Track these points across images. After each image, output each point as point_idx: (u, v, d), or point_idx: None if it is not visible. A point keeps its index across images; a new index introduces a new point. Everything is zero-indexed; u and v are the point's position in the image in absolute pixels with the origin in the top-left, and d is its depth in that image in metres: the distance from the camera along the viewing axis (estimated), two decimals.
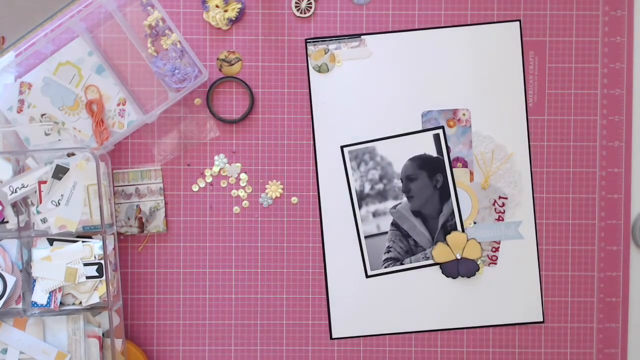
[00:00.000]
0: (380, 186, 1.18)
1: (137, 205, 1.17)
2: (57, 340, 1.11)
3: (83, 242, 1.10)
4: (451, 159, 1.18)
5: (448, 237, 1.18)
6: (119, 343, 1.13)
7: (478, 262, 1.18)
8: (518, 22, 1.18)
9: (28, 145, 1.15)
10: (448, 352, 1.19)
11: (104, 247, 1.10)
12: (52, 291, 1.09)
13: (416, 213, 1.18)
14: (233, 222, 1.18)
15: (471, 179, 1.18)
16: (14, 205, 1.11)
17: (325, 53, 1.17)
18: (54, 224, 1.09)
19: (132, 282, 1.18)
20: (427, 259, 1.18)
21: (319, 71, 1.17)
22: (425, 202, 1.18)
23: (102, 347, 1.13)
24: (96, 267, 1.09)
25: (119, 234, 1.17)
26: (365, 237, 1.18)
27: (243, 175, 1.18)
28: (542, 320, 1.19)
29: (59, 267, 1.09)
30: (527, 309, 1.19)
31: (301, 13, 1.17)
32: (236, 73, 1.17)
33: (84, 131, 1.15)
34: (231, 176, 1.18)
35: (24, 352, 1.10)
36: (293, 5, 1.17)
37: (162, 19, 1.14)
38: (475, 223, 1.18)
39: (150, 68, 1.16)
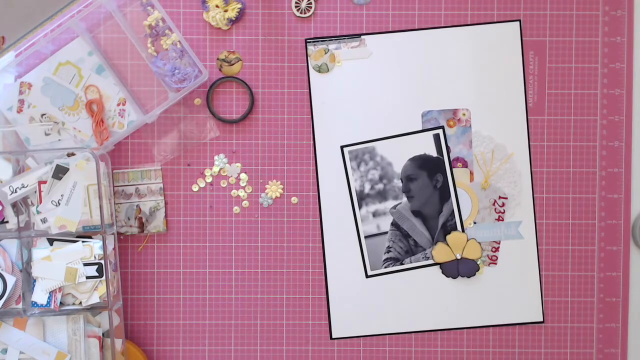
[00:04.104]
0: (380, 186, 1.18)
1: (137, 205, 1.17)
2: (57, 340, 1.11)
3: (83, 242, 1.10)
4: (451, 159, 1.18)
5: (448, 237, 1.18)
6: (119, 343, 1.13)
7: (478, 262, 1.18)
8: (518, 22, 1.18)
9: (28, 145, 1.15)
10: (448, 352, 1.19)
11: (104, 247, 1.10)
12: (52, 291, 1.09)
13: (416, 213, 1.18)
14: (233, 222, 1.18)
15: (471, 179, 1.18)
16: (14, 205, 1.11)
17: (325, 53, 1.17)
18: (54, 224, 1.09)
19: (132, 282, 1.18)
20: (427, 259, 1.18)
21: (319, 71, 1.17)
22: (425, 202, 1.18)
23: (102, 347, 1.13)
24: (96, 267, 1.09)
25: (119, 234, 1.17)
26: (365, 237, 1.18)
27: (243, 175, 1.18)
28: (542, 320, 1.19)
29: (59, 267, 1.09)
30: (527, 309, 1.19)
31: (301, 13, 1.17)
32: (236, 73, 1.17)
33: (84, 131, 1.15)
34: (231, 176, 1.18)
35: (24, 352, 1.10)
36: (293, 5, 1.17)
37: (162, 19, 1.14)
38: (475, 223, 1.18)
39: (150, 68, 1.16)
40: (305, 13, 1.17)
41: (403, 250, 1.18)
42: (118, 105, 1.15)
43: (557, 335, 1.19)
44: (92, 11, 1.13)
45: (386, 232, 1.18)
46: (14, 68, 1.14)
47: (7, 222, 1.12)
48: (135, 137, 1.18)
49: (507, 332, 1.19)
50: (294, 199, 1.18)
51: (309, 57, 1.17)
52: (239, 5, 1.16)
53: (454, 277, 1.18)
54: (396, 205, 1.18)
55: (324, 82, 1.18)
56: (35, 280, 1.10)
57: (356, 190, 1.18)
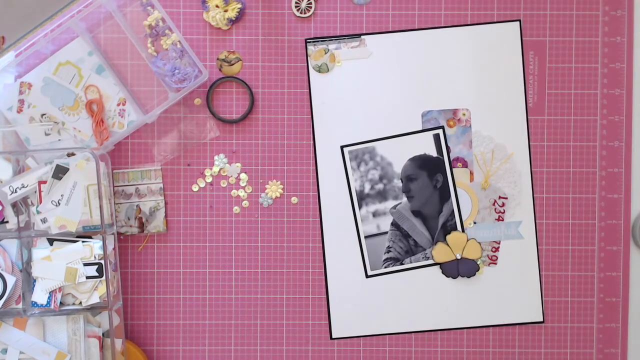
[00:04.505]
0: (380, 186, 1.18)
1: (137, 205, 1.17)
2: (57, 340, 1.11)
3: (83, 242, 1.10)
4: (451, 159, 1.18)
5: (448, 237, 1.18)
6: (119, 343, 1.13)
7: (478, 262, 1.18)
8: (518, 22, 1.18)
9: (28, 145, 1.15)
10: (448, 352, 1.19)
11: (104, 247, 1.10)
12: (52, 291, 1.09)
13: (416, 213, 1.18)
14: (233, 222, 1.18)
15: (471, 179, 1.18)
16: (14, 205, 1.11)
17: (325, 53, 1.17)
18: (54, 224, 1.09)
19: (132, 282, 1.18)
20: (427, 259, 1.18)
21: (319, 71, 1.17)
22: (425, 202, 1.18)
23: (102, 347, 1.13)
24: (96, 267, 1.09)
25: (119, 234, 1.17)
26: (365, 237, 1.18)
27: (243, 175, 1.18)
28: (542, 320, 1.19)
29: (59, 267, 1.09)
30: (527, 309, 1.19)
31: (301, 13, 1.17)
32: (236, 73, 1.18)
33: (84, 131, 1.15)
34: (231, 176, 1.18)
35: (24, 352, 1.10)
36: (293, 5, 1.17)
37: (162, 19, 1.14)
38: (475, 223, 1.18)
39: (150, 68, 1.16)
40: (305, 13, 1.17)
41: (403, 250, 1.18)
42: (118, 105, 1.15)
43: (557, 335, 1.19)
44: (92, 11, 1.13)
45: (386, 232, 1.18)
46: (14, 68, 1.14)
47: (7, 222, 1.12)
48: (135, 137, 1.18)
49: (507, 332, 1.19)
50: (294, 199, 1.18)
51: (309, 57, 1.17)
52: (239, 5, 1.16)
53: (454, 277, 1.18)
54: (396, 205, 1.18)
55: (324, 82, 1.18)
56: (35, 280, 1.10)
57: (356, 190, 1.18)
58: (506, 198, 1.18)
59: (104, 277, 1.09)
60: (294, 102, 1.18)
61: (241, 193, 1.18)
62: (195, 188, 1.18)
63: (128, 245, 1.18)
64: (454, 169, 1.18)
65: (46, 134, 1.15)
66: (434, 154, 1.18)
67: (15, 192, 1.10)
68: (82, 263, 1.09)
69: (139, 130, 1.17)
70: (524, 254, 1.19)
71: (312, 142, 1.18)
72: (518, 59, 1.18)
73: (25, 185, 1.10)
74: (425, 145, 1.18)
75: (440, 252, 1.18)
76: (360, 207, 1.18)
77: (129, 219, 1.17)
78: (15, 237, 1.11)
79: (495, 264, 1.19)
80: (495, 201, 1.18)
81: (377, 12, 1.17)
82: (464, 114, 1.18)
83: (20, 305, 1.10)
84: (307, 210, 1.18)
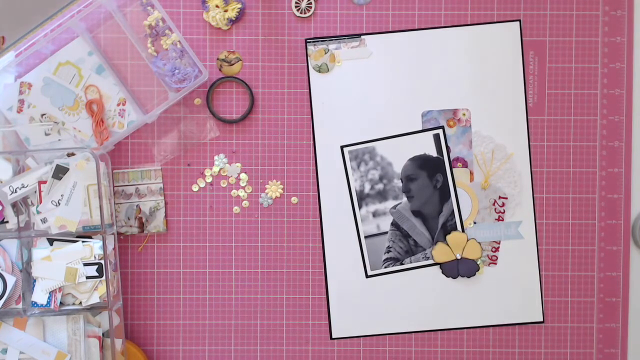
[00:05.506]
0: (380, 186, 1.18)
1: (137, 205, 1.17)
2: (57, 340, 1.11)
3: (83, 242, 1.10)
4: (451, 159, 1.18)
5: (448, 237, 1.18)
6: (119, 343, 1.13)
7: (478, 262, 1.18)
8: (518, 22, 1.18)
9: (28, 145, 1.15)
10: (448, 352, 1.19)
11: (104, 247, 1.10)
12: (52, 291, 1.09)
13: (416, 213, 1.18)
14: (233, 222, 1.18)
15: (471, 179, 1.18)
16: (14, 205, 1.11)
17: (325, 53, 1.17)
18: (54, 224, 1.09)
19: (132, 282, 1.18)
20: (427, 259, 1.18)
21: (319, 71, 1.17)
22: (425, 202, 1.18)
23: (102, 347, 1.13)
24: (96, 267, 1.09)
25: (119, 234, 1.17)
26: (365, 237, 1.18)
27: (243, 175, 1.18)
28: (542, 320, 1.19)
29: (59, 267, 1.09)
30: (527, 309, 1.19)
31: (301, 13, 1.17)
32: (236, 73, 1.18)
33: (84, 131, 1.15)
34: (231, 176, 1.18)
35: (24, 352, 1.10)
36: (293, 5, 1.17)
37: (162, 19, 1.14)
38: (475, 223, 1.18)
39: (150, 68, 1.16)
40: (305, 13, 1.17)
41: (403, 250, 1.18)
42: (118, 105, 1.15)
43: (557, 335, 1.19)
44: (92, 11, 1.13)
45: (386, 232, 1.18)
46: (14, 68, 1.14)
47: (7, 222, 1.12)
48: (135, 137, 1.18)
49: (507, 332, 1.19)
50: (294, 199, 1.18)
51: (309, 57, 1.17)
52: (239, 5, 1.16)
53: (454, 277, 1.18)
54: (396, 205, 1.18)
55: (324, 82, 1.18)
56: (35, 280, 1.10)
57: (356, 190, 1.18)
58: (506, 198, 1.18)
59: (104, 277, 1.09)
60: (294, 102, 1.18)
61: (241, 193, 1.18)
62: (195, 188, 1.18)
63: (128, 245, 1.18)
64: (454, 169, 1.18)
65: (46, 134, 1.15)
66: (434, 154, 1.18)
67: (15, 192, 1.10)
68: (82, 263, 1.09)
69: (139, 130, 1.17)
70: (524, 254, 1.19)
71: (312, 142, 1.18)
72: (518, 59, 1.18)
73: (25, 185, 1.10)
74: (425, 145, 1.18)
75: (440, 252, 1.18)
76: (360, 207, 1.18)
77: (129, 219, 1.17)
78: (15, 237, 1.11)
79: (495, 264, 1.19)
80: (495, 201, 1.18)
81: (377, 12, 1.17)
82: (464, 114, 1.18)
83: (20, 305, 1.10)
84: (307, 210, 1.18)
